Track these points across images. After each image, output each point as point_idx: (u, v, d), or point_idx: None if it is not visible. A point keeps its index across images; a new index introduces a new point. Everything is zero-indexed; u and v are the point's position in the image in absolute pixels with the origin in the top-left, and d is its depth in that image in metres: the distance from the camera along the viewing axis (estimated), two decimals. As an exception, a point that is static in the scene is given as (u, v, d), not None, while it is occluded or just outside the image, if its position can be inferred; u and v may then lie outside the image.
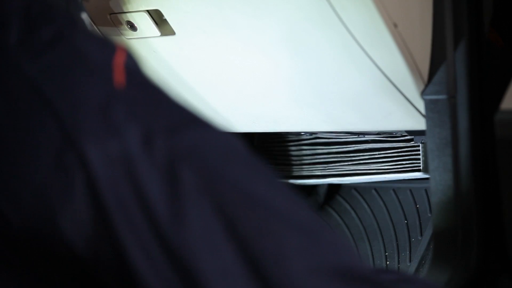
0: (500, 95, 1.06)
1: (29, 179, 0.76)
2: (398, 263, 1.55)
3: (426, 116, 1.22)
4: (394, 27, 1.14)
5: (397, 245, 1.55)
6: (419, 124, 1.28)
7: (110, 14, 1.33)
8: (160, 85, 0.81)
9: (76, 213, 0.74)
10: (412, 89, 1.22)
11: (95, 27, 1.38)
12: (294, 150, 1.68)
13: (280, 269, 0.74)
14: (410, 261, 1.53)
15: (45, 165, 0.75)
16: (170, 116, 0.79)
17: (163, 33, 1.32)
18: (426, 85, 1.21)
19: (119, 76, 0.78)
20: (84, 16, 0.95)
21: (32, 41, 0.79)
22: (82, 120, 0.75)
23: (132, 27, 1.33)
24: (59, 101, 0.76)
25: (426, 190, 1.57)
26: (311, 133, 1.68)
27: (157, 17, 1.31)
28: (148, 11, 1.29)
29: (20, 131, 0.77)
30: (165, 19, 1.30)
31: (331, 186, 1.71)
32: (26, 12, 0.81)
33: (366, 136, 1.57)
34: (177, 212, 0.74)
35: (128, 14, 1.31)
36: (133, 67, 0.80)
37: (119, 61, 0.79)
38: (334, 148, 1.61)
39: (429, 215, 1.51)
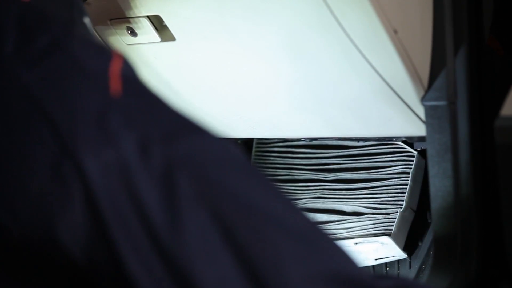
0: (500, 101, 1.06)
1: (27, 189, 0.76)
2: (398, 269, 1.54)
3: (426, 122, 1.22)
4: (394, 33, 1.14)
5: (397, 251, 1.55)
6: (419, 130, 1.28)
7: (111, 19, 1.33)
8: (157, 93, 0.81)
9: (73, 222, 0.74)
10: (412, 95, 1.22)
11: (94, 31, 1.38)
12: None
13: (277, 277, 0.73)
14: (410, 267, 1.53)
15: (42, 175, 0.75)
16: (166, 124, 0.78)
17: (164, 39, 1.32)
18: (426, 91, 1.21)
19: (115, 84, 0.78)
20: (87, 20, 0.94)
21: (28, 50, 0.79)
22: (79, 129, 0.75)
23: (133, 32, 1.33)
24: (56, 110, 0.76)
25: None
26: (311, 139, 1.68)
27: (158, 23, 1.31)
28: (148, 17, 1.29)
29: (17, 141, 0.77)
30: (165, 25, 1.30)
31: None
32: (22, 20, 0.81)
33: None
34: (174, 221, 0.74)
35: (128, 20, 1.32)
36: (129, 74, 0.80)
37: (115, 68, 0.79)
38: None
39: (429, 221, 1.51)
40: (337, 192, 1.59)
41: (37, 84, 0.77)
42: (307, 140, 1.68)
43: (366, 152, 1.59)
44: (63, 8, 0.90)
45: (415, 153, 1.51)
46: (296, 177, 1.67)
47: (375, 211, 1.53)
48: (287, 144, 1.71)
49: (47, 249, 0.76)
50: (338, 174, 1.62)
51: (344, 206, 1.57)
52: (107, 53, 0.81)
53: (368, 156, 1.59)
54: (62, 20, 0.86)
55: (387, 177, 1.55)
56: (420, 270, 1.48)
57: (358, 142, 1.62)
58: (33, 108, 0.76)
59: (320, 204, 1.60)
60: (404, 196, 1.50)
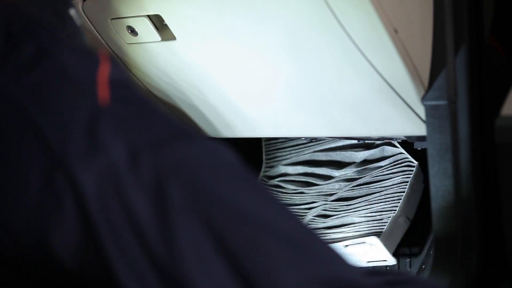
0: (500, 101, 1.06)
1: (20, 201, 0.75)
2: (398, 269, 1.54)
3: (427, 122, 1.22)
4: (394, 33, 1.14)
5: (397, 250, 1.55)
6: (419, 129, 1.28)
7: (112, 19, 1.33)
8: (146, 98, 0.81)
9: (66, 232, 0.74)
10: (412, 95, 1.22)
11: (94, 30, 1.38)
12: None
13: (272, 284, 0.73)
14: (410, 266, 1.53)
15: (34, 187, 0.74)
16: (156, 131, 0.77)
17: (164, 38, 1.32)
18: (427, 91, 1.21)
19: (103, 92, 0.77)
20: (73, 12, 0.93)
21: (14, 59, 0.77)
22: (68, 140, 0.74)
23: (133, 32, 1.33)
24: (44, 121, 0.75)
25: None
26: (311, 139, 1.68)
27: (158, 22, 1.31)
28: (149, 16, 1.29)
29: (8, 154, 0.76)
30: (166, 24, 1.30)
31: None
32: (7, 28, 0.79)
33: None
34: (165, 230, 0.73)
35: (129, 19, 1.32)
36: (117, 79, 0.79)
37: (103, 75, 0.78)
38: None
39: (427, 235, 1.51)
40: (338, 208, 1.60)
41: (25, 96, 0.76)
42: (307, 139, 1.68)
43: (367, 167, 1.60)
44: (47, 1, 0.89)
45: (416, 163, 1.52)
46: (297, 202, 1.68)
47: (369, 218, 1.53)
48: (285, 179, 1.72)
49: (40, 257, 0.75)
50: (339, 192, 1.63)
51: (344, 219, 1.58)
52: (94, 59, 0.80)
53: (369, 171, 1.60)
54: (48, 23, 0.85)
55: (386, 188, 1.55)
56: (420, 270, 1.48)
57: (358, 152, 1.62)
58: (22, 120, 0.75)
59: (321, 224, 1.60)
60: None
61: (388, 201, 1.53)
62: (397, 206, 1.50)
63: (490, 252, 1.26)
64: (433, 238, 1.33)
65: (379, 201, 1.55)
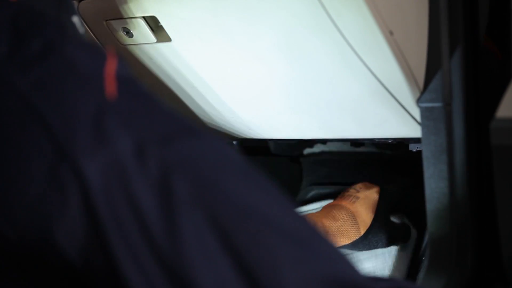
0: (495, 103, 1.06)
1: (23, 194, 0.75)
2: (394, 271, 1.54)
3: (422, 124, 1.22)
4: (389, 35, 1.14)
5: (393, 252, 1.55)
6: (415, 131, 1.28)
7: (106, 20, 1.33)
8: (152, 94, 0.81)
9: (71, 225, 0.74)
10: (407, 97, 1.22)
11: (90, 31, 1.38)
12: None
13: (275, 281, 0.73)
14: (405, 268, 1.53)
15: (39, 180, 0.74)
16: (163, 126, 0.78)
17: (159, 40, 1.32)
18: (422, 93, 1.21)
19: (110, 86, 0.77)
20: (76, 19, 0.94)
21: (21, 53, 0.78)
22: (74, 133, 0.74)
23: (128, 33, 1.33)
24: (51, 114, 0.75)
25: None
26: (307, 140, 1.68)
27: (153, 24, 1.31)
28: (144, 17, 1.29)
29: (12, 146, 0.76)
30: (161, 26, 1.30)
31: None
32: (14, 23, 0.80)
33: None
34: (170, 225, 0.73)
35: (124, 21, 1.31)
36: (124, 75, 0.79)
37: (110, 70, 0.78)
38: None
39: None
40: None
41: (32, 89, 0.76)
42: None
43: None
44: (50, 6, 0.90)
45: None
46: None
47: None
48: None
49: (45, 251, 0.75)
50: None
51: None
52: (101, 54, 0.80)
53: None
54: (54, 21, 0.85)
55: None
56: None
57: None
58: (28, 113, 0.76)
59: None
60: None
61: None
62: None
63: (485, 254, 1.26)
64: (427, 240, 1.33)
65: None
